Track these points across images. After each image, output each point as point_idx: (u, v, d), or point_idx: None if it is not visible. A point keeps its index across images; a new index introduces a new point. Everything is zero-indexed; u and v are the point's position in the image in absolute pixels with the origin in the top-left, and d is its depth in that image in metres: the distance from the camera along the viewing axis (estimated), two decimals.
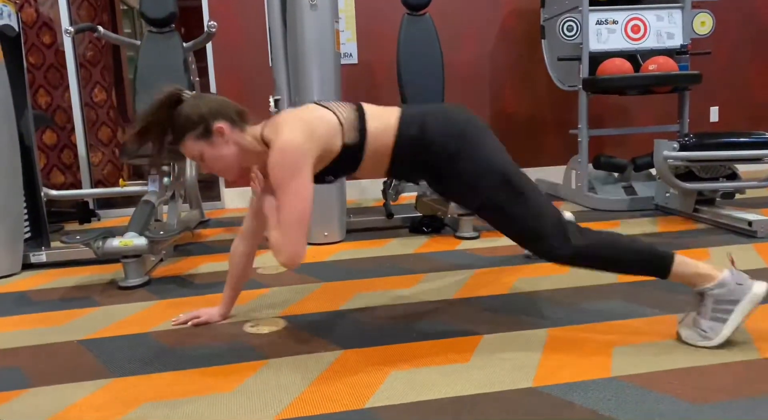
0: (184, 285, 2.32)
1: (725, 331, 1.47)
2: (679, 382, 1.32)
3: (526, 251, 1.97)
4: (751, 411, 1.18)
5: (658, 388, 1.30)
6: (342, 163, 1.61)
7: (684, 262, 1.51)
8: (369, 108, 1.64)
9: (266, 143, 1.56)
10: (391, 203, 3.33)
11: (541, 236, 1.53)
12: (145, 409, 1.31)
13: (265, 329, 1.78)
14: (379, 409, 1.26)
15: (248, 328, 1.79)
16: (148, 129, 1.58)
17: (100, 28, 3.07)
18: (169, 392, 1.39)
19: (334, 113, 1.58)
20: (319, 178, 1.64)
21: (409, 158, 1.62)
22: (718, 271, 1.49)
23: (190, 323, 1.84)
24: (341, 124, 1.56)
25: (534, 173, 4.66)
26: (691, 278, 1.50)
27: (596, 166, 3.78)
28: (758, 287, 1.46)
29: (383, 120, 1.60)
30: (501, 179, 1.54)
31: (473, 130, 1.59)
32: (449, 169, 1.58)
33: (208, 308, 1.89)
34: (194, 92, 1.61)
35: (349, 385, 1.38)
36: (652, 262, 1.52)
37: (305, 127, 1.51)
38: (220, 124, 1.56)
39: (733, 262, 1.55)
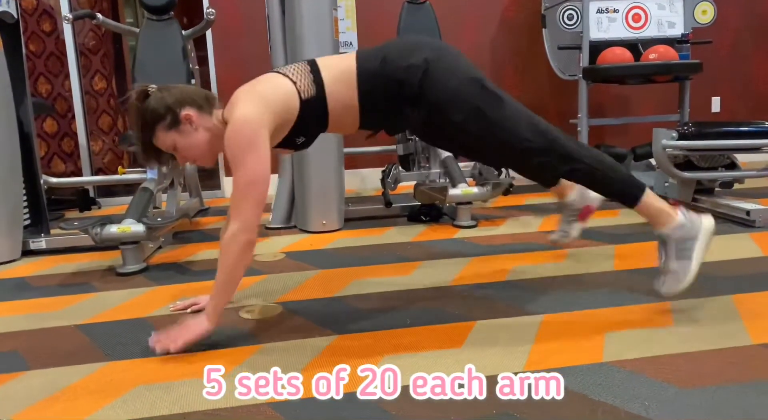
0: (181, 272, 2.33)
1: (693, 266, 1.62)
2: (669, 367, 1.33)
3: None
4: (739, 396, 1.19)
5: (649, 373, 1.30)
6: (308, 119, 1.61)
7: (653, 196, 1.67)
8: (322, 59, 1.65)
9: (226, 122, 1.56)
10: (390, 192, 3.33)
11: (527, 142, 1.61)
12: (139, 391, 1.32)
13: (260, 315, 1.79)
14: (369, 394, 1.27)
15: (244, 314, 1.80)
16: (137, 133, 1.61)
17: (99, 15, 3.07)
18: (163, 376, 1.40)
19: (286, 75, 1.59)
20: (290, 141, 1.65)
21: (378, 96, 1.61)
22: (674, 212, 1.66)
23: (189, 309, 1.85)
24: (294, 82, 1.57)
25: None
26: (656, 213, 1.66)
27: None
28: (707, 221, 1.65)
29: (340, 66, 1.61)
30: (478, 85, 1.60)
31: (436, 49, 1.61)
32: (422, 94, 1.59)
33: (207, 295, 1.90)
34: (159, 85, 1.61)
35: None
36: (628, 185, 1.67)
37: (257, 97, 1.52)
38: (187, 112, 1.57)
39: (677, 204, 1.71)
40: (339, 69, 1.61)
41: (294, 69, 1.62)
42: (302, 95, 1.58)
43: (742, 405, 1.16)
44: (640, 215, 1.70)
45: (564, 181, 1.78)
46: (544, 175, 1.72)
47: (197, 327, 1.52)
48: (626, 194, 1.68)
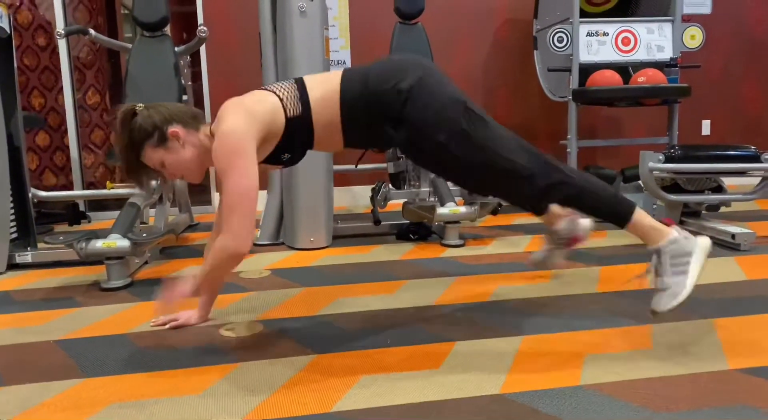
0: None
1: (690, 281, 1.55)
2: (646, 391, 1.33)
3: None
4: None
5: (624, 397, 1.30)
6: (293, 137, 1.63)
7: (643, 214, 1.63)
8: (310, 78, 1.67)
9: (214, 136, 1.58)
10: (380, 210, 3.34)
11: (513, 165, 1.59)
12: (112, 409, 1.31)
13: (241, 333, 1.79)
14: (345, 413, 1.27)
15: (224, 332, 1.79)
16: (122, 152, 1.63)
17: (92, 31, 3.09)
18: (138, 393, 1.39)
19: (273, 92, 1.62)
20: (276, 157, 1.67)
21: (359, 116, 1.63)
22: (667, 228, 1.62)
23: (168, 325, 1.85)
24: (280, 98, 1.60)
25: None
26: (647, 231, 1.62)
27: None
28: (703, 239, 1.60)
29: (325, 86, 1.64)
30: (462, 107, 1.59)
31: (418, 69, 1.62)
32: (404, 116, 1.59)
33: (187, 311, 1.90)
34: (147, 103, 1.63)
35: (317, 390, 1.38)
36: (617, 204, 1.64)
37: (243, 110, 1.54)
38: (173, 129, 1.59)
39: (671, 222, 1.69)
40: (324, 89, 1.64)
41: (281, 86, 1.65)
42: (288, 113, 1.60)
43: None
44: (633, 234, 1.65)
45: (554, 209, 1.78)
46: (530, 199, 1.69)
47: (182, 291, 1.60)
48: (616, 214, 1.64)
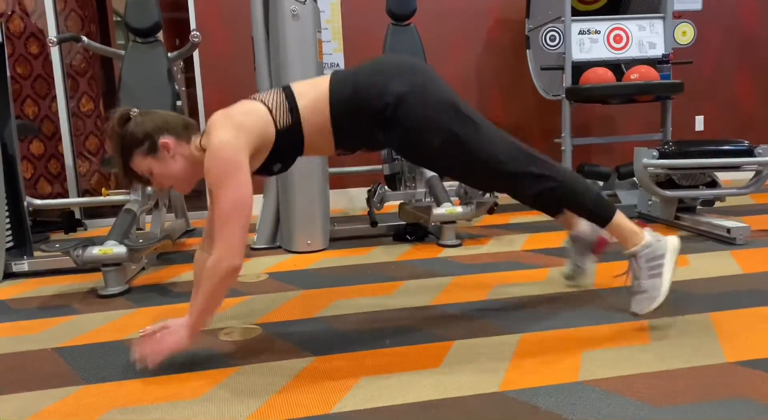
0: (163, 293, 2.32)
1: (664, 284, 1.70)
2: (644, 385, 1.33)
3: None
4: (711, 414, 1.19)
5: (623, 392, 1.31)
6: (284, 147, 1.62)
7: (623, 216, 1.76)
8: (297, 85, 1.65)
9: (204, 150, 1.57)
10: (376, 212, 3.34)
11: (505, 165, 1.67)
12: (112, 415, 1.31)
13: (239, 337, 1.79)
14: (345, 414, 1.27)
15: (222, 336, 1.79)
16: (115, 156, 1.61)
17: (84, 38, 3.09)
18: (138, 399, 1.39)
19: (262, 102, 1.60)
20: (267, 168, 1.66)
21: (351, 122, 1.62)
22: (642, 232, 1.75)
23: (159, 335, 1.80)
24: (270, 110, 1.58)
25: None
26: (626, 233, 1.75)
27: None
28: (672, 239, 1.74)
29: (314, 92, 1.62)
30: (453, 110, 1.62)
31: (409, 71, 1.62)
32: (395, 121, 1.60)
33: (175, 319, 1.81)
34: (140, 110, 1.62)
35: (316, 391, 1.39)
36: (601, 205, 1.76)
37: (232, 124, 1.52)
38: (164, 139, 1.57)
39: (643, 224, 1.78)
40: (313, 95, 1.63)
41: (270, 97, 1.63)
42: (278, 124, 1.59)
43: None
44: (611, 235, 1.80)
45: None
46: (522, 194, 1.75)
47: (177, 344, 1.50)
48: (599, 215, 1.77)
